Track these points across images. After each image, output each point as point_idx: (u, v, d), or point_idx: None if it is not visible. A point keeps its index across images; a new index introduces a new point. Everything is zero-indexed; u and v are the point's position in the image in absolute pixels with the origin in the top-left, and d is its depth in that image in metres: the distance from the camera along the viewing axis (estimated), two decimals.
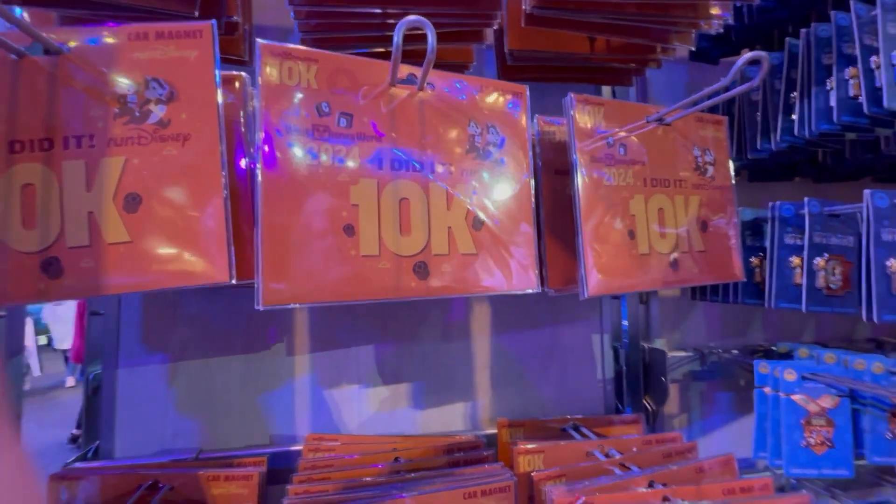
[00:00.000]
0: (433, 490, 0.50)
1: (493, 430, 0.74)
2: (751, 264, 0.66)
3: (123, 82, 0.35)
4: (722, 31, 0.74)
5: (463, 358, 0.79)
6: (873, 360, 0.64)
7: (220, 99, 0.35)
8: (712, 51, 0.80)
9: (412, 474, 0.57)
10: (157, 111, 0.35)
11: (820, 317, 0.92)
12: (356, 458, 0.61)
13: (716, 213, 0.56)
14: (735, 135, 0.71)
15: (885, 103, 0.49)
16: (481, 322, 0.80)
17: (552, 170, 0.53)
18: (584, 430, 0.72)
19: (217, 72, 0.36)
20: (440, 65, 0.51)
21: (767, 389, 0.65)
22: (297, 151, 0.36)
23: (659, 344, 0.85)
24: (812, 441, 0.61)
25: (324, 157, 0.37)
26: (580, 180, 0.47)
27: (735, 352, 0.83)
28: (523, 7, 0.55)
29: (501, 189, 0.45)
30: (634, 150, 0.51)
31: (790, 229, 0.60)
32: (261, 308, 0.34)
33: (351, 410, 0.75)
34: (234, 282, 0.35)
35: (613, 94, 0.85)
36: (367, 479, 0.55)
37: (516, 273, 0.44)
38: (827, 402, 0.62)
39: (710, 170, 0.56)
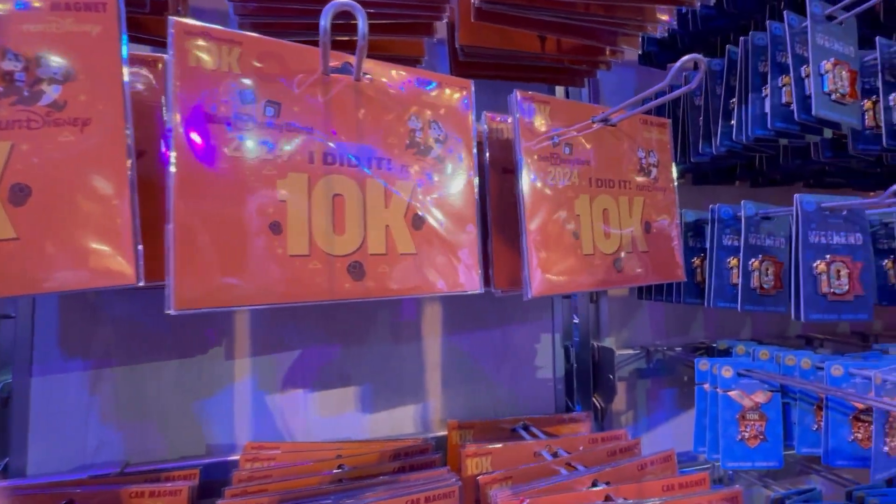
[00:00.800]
0: (375, 499, 0.48)
1: (445, 433, 0.73)
2: (692, 265, 0.68)
3: (10, 57, 0.31)
4: (667, 35, 0.77)
5: (413, 359, 0.77)
6: (802, 356, 0.67)
7: (126, 79, 0.32)
8: (660, 56, 0.82)
9: (355, 482, 0.54)
10: (51, 91, 0.31)
11: (756, 314, 0.97)
12: (296, 467, 0.58)
13: (659, 215, 0.57)
14: (680, 138, 0.72)
15: (814, 111, 0.51)
16: (432, 323, 0.79)
17: (500, 168, 0.52)
18: (534, 430, 0.72)
19: (124, 49, 0.32)
20: (390, 58, 0.49)
21: (707, 386, 0.67)
22: (215, 141, 0.33)
23: (608, 342, 0.87)
24: (746, 435, 0.64)
25: (246, 149, 0.35)
26: (525, 179, 0.46)
27: (679, 349, 0.86)
28: (472, 1, 0.54)
29: (444, 187, 0.43)
30: (580, 150, 0.51)
31: (728, 231, 0.62)
32: (172, 312, 0.31)
33: (295, 416, 0.72)
34: (141, 283, 0.31)
35: (567, 95, 0.85)
36: (306, 489, 0.53)
37: (459, 273, 0.43)
38: (760, 397, 0.65)
39: (654, 171, 0.56)
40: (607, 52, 0.69)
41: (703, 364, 0.68)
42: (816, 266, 0.52)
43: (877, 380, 0.59)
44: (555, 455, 0.62)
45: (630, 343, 0.89)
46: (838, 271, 0.52)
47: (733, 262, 0.61)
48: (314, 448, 0.65)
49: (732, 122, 0.62)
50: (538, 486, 0.52)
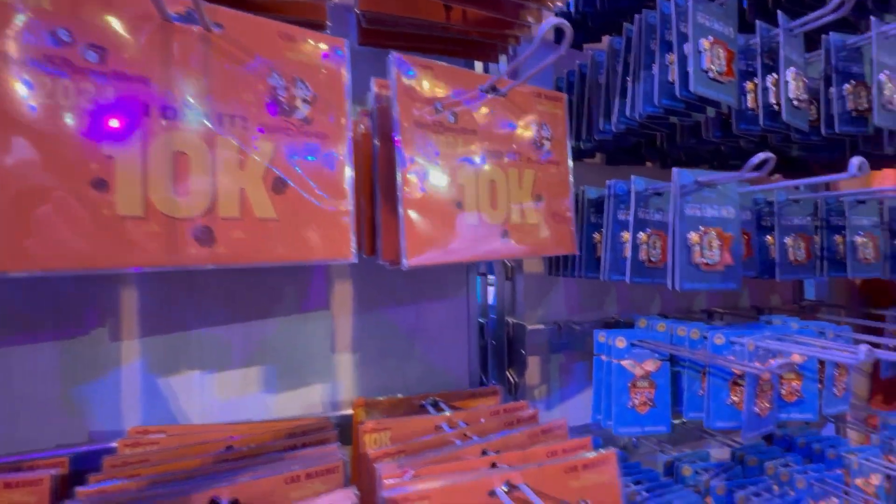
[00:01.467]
0: (251, 478, 0.47)
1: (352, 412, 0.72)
2: (593, 240, 0.70)
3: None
4: (577, 14, 0.77)
5: (322, 338, 0.75)
6: (692, 328, 0.71)
7: None
8: (574, 36, 0.83)
9: (237, 462, 0.52)
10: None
11: (664, 291, 1.02)
12: (179, 450, 0.56)
13: (551, 188, 0.57)
14: (587, 116, 0.73)
15: (691, 87, 0.53)
16: (342, 299, 0.77)
17: (388, 136, 0.51)
18: (443, 405, 0.73)
19: None
20: (289, 20, 0.45)
21: (604, 357, 0.70)
22: (17, 85, 0.30)
23: (522, 319, 0.88)
24: (637, 402, 0.67)
25: (60, 96, 0.31)
26: (402, 146, 0.45)
27: (588, 324, 0.88)
28: None
29: (313, 150, 0.41)
30: (466, 119, 0.50)
31: (623, 206, 0.64)
32: None
33: (191, 399, 0.68)
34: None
35: (486, 71, 0.85)
36: (182, 471, 0.50)
37: (329, 242, 0.41)
38: (650, 366, 0.68)
39: (547, 145, 0.57)
40: (515, 27, 0.69)
41: (600, 336, 0.70)
42: (691, 237, 0.54)
43: (749, 346, 0.63)
44: (456, 428, 0.62)
45: (545, 319, 0.91)
46: (710, 242, 0.55)
47: (626, 236, 0.63)
48: (206, 430, 0.62)
49: (628, 99, 0.63)
50: (426, 458, 0.52)
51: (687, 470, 0.74)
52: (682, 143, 0.72)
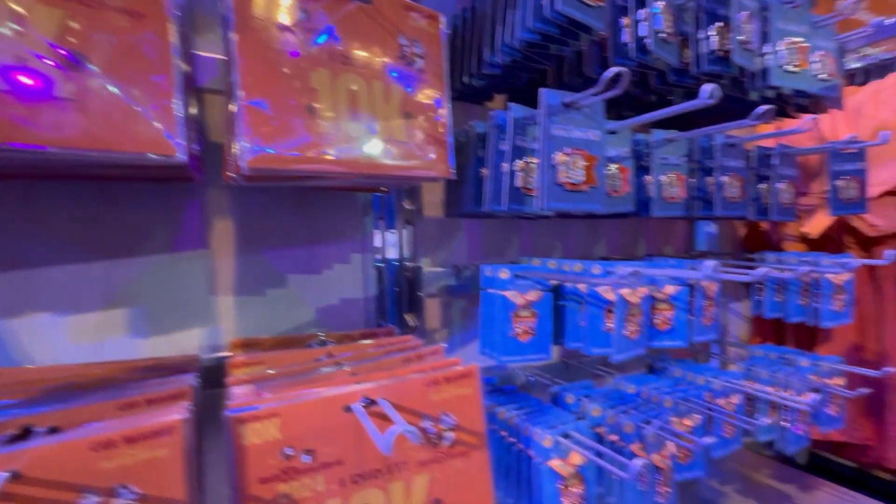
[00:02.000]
0: (78, 405, 0.43)
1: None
2: (480, 174, 0.70)
3: None
4: None
5: (199, 279, 0.71)
6: (576, 263, 0.73)
7: None
8: None
9: (73, 394, 0.48)
10: None
11: (566, 238, 1.05)
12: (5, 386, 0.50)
13: (424, 106, 0.55)
14: (476, 49, 0.72)
15: (559, 7, 0.53)
16: (223, 239, 0.72)
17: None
18: (330, 344, 0.71)
19: None
20: None
21: (490, 290, 0.70)
22: None
23: (421, 263, 0.88)
24: (519, 331, 0.69)
25: None
26: (242, 38, 0.41)
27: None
28: None
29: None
30: (322, 22, 0.47)
31: (503, 136, 0.64)
32: None
33: (40, 343, 0.62)
34: None
35: None
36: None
37: (139, 131, 0.37)
38: (532, 296, 0.70)
39: (419, 62, 0.55)
40: None
41: (487, 271, 0.71)
42: (557, 157, 0.55)
43: (619, 270, 0.66)
44: (334, 359, 0.61)
45: (446, 263, 0.91)
46: (575, 163, 0.56)
47: (505, 166, 0.63)
48: (52, 371, 0.57)
49: (507, 26, 0.63)
50: (288, 382, 0.50)
51: (570, 398, 0.77)
52: (568, 81, 0.73)
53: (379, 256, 0.85)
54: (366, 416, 0.46)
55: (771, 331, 1.27)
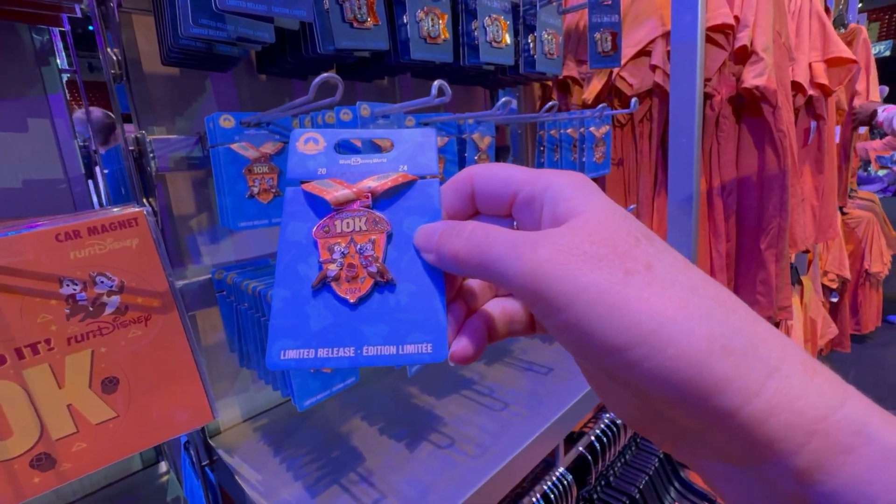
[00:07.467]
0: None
1: None
2: None
3: None
4: None
5: None
6: (340, 110, 0.64)
7: None
8: None
9: None
10: None
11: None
12: None
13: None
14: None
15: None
16: None
17: None
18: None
19: None
20: None
21: (217, 146, 0.58)
22: None
23: (154, 132, 0.70)
24: (256, 190, 0.59)
25: None
26: None
27: None
28: None
29: None
30: None
31: None
32: None
33: None
34: None
35: None
36: None
37: None
38: (269, 148, 0.60)
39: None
40: None
41: (209, 123, 0.58)
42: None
43: (363, 111, 0.59)
44: None
45: (185, 131, 0.74)
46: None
47: None
48: None
49: None
50: None
51: None
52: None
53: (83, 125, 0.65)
54: None
55: None
